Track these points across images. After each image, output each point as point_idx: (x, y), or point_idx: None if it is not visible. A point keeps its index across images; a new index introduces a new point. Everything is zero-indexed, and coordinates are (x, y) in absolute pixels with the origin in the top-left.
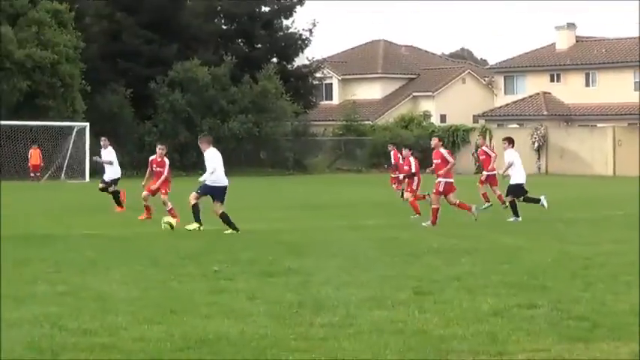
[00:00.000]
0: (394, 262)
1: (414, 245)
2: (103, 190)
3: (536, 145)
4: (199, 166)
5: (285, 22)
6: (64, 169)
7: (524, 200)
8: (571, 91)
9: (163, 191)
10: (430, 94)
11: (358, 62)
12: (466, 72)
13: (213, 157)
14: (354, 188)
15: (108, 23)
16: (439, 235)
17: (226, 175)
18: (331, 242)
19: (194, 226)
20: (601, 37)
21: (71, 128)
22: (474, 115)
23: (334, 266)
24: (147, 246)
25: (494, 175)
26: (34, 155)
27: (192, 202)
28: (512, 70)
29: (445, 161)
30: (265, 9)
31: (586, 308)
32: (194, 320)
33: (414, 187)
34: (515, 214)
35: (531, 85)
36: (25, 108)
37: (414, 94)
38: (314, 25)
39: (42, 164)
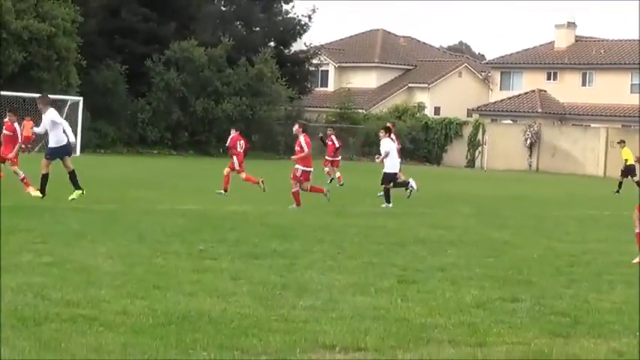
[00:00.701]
0: (380, 249)
1: (400, 234)
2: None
3: (528, 141)
4: (190, 146)
5: (285, 7)
6: None
7: (393, 186)
8: (567, 90)
9: (14, 160)
10: (426, 85)
11: (356, 50)
12: (463, 65)
13: (57, 117)
14: (344, 175)
15: None
16: (426, 226)
17: (217, 156)
18: (318, 227)
19: (35, 194)
20: (600, 38)
21: (64, 102)
22: (468, 109)
23: (320, 251)
24: (134, 222)
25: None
26: (27, 127)
27: (44, 170)
28: (509, 66)
29: (302, 149)
30: None
31: (568, 305)
32: (177, 297)
33: (233, 165)
34: (388, 200)
35: (527, 82)
36: (20, 79)
37: (410, 85)
38: (313, 11)
39: (33, 136)
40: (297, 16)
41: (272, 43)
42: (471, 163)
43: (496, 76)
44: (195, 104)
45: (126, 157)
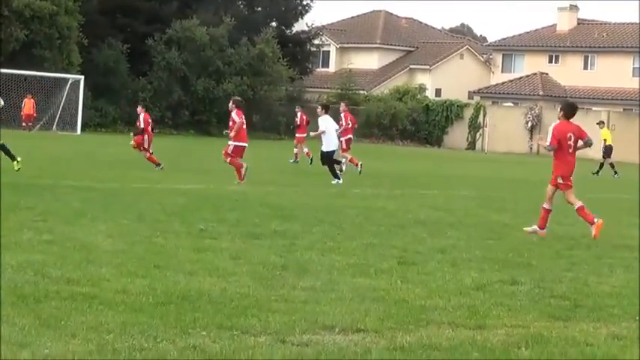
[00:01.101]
0: (380, 231)
1: (400, 216)
2: None
3: (529, 124)
4: (190, 126)
5: None
6: (56, 120)
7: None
8: (569, 73)
9: None
10: (427, 67)
11: (357, 31)
12: (465, 48)
13: None
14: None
15: None
16: (426, 208)
17: (218, 136)
18: (318, 208)
19: (17, 166)
20: (603, 21)
21: (66, 80)
22: (469, 91)
23: (319, 232)
24: (134, 201)
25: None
26: (28, 105)
27: None
28: (511, 48)
29: (233, 123)
30: None
31: (568, 288)
32: (177, 276)
33: (144, 144)
34: (336, 176)
35: (529, 65)
36: (21, 57)
37: (411, 66)
38: None
39: (35, 114)
40: None
41: (274, 23)
42: (471, 146)
43: (498, 58)
44: (196, 84)
45: (126, 136)
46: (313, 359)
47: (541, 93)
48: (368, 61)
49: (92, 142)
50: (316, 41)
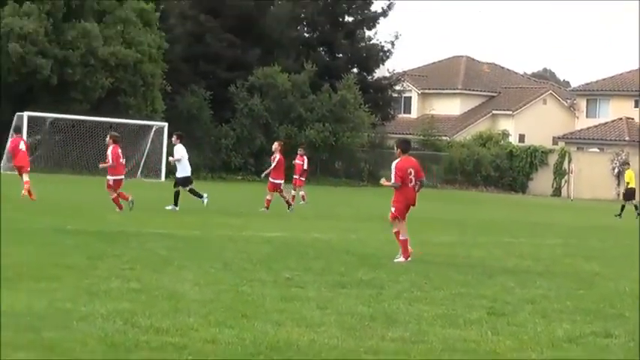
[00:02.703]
0: (467, 280)
1: (486, 264)
2: None
3: (616, 170)
4: None
5: (368, 33)
6: (141, 167)
7: (189, 192)
8: None
9: None
10: (510, 112)
11: (439, 77)
12: (548, 92)
13: None
14: (427, 204)
15: (192, 25)
16: (513, 256)
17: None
18: None
19: None
20: None
21: (150, 127)
22: (553, 137)
23: (406, 281)
24: (219, 248)
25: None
26: None
27: None
28: (595, 93)
29: (107, 160)
30: (348, 19)
31: None
32: (265, 326)
33: None
34: (175, 203)
35: (614, 110)
36: (106, 104)
37: (494, 112)
38: (396, 37)
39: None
40: (380, 43)
41: (355, 69)
42: (557, 192)
43: (582, 103)
44: (278, 130)
45: (209, 183)
46: None
47: (627, 138)
48: (450, 106)
49: None
50: (397, 87)
